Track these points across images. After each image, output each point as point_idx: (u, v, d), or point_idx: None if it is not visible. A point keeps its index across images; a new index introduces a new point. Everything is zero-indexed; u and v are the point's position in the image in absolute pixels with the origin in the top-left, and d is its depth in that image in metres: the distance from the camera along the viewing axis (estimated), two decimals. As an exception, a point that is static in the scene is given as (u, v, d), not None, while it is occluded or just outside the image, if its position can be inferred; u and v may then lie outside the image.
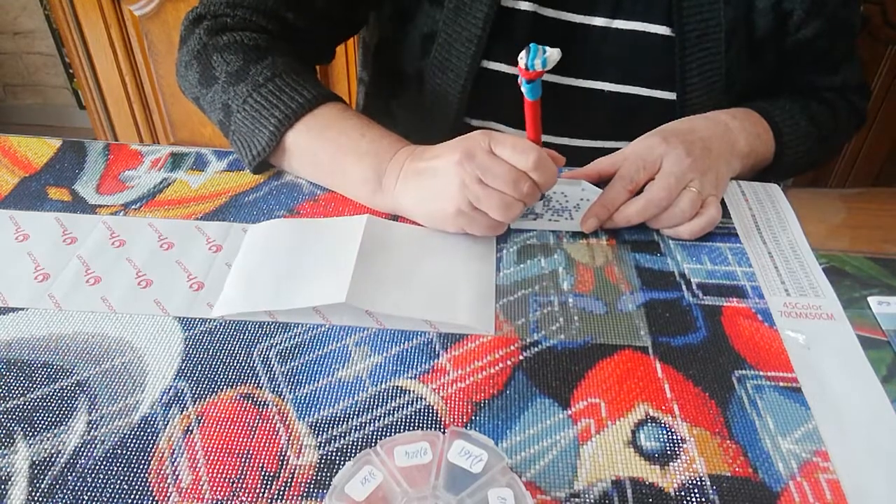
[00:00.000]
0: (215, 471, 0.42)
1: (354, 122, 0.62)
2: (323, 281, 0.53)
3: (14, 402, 0.45)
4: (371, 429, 0.44)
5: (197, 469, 0.42)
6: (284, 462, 0.42)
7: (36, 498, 0.40)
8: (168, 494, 0.40)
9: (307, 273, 0.54)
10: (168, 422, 0.44)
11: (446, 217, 0.56)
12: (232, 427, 0.44)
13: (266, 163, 0.65)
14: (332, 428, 0.44)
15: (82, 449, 0.43)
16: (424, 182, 0.57)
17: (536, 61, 0.51)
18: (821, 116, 0.74)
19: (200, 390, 0.46)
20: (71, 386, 0.46)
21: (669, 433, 0.44)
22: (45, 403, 0.45)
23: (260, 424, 0.44)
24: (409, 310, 0.52)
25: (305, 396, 0.46)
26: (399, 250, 0.57)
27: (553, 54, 0.51)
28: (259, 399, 0.46)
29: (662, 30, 0.68)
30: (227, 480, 0.41)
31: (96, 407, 0.45)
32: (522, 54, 0.52)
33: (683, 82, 0.69)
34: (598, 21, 0.70)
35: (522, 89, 0.54)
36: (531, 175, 0.53)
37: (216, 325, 0.51)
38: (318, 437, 0.44)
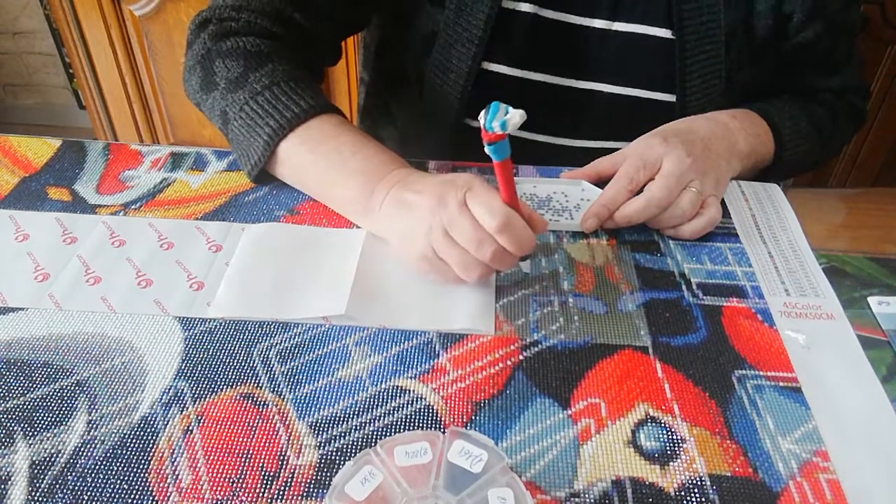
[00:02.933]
0: (215, 471, 0.42)
1: (348, 139, 0.60)
2: (323, 291, 0.53)
3: (14, 402, 0.45)
4: (371, 429, 0.44)
5: (197, 469, 0.42)
6: (284, 462, 0.42)
7: (36, 498, 0.40)
8: (168, 494, 0.40)
9: (307, 283, 0.54)
10: (168, 422, 0.44)
11: (410, 258, 0.54)
12: (232, 427, 0.44)
13: (267, 173, 0.64)
14: (332, 428, 0.44)
15: (82, 449, 0.43)
16: (401, 215, 0.54)
17: (495, 123, 0.45)
18: (820, 118, 0.74)
19: (200, 390, 0.46)
20: (71, 386, 0.46)
21: (669, 433, 0.44)
22: (45, 403, 0.45)
23: (260, 424, 0.44)
24: (409, 321, 0.52)
25: (305, 396, 0.46)
26: (399, 260, 0.57)
27: (514, 117, 0.45)
28: (259, 399, 0.46)
29: (662, 32, 0.68)
30: (227, 480, 0.41)
31: (96, 407, 0.45)
32: (482, 114, 0.46)
33: (683, 84, 0.69)
34: (598, 23, 0.70)
35: (486, 151, 0.48)
36: (496, 238, 0.49)
37: (216, 325, 0.51)
38: (318, 437, 0.44)
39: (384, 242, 0.58)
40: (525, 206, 0.53)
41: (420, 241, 0.52)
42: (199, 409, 0.45)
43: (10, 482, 0.41)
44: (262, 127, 0.60)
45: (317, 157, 0.60)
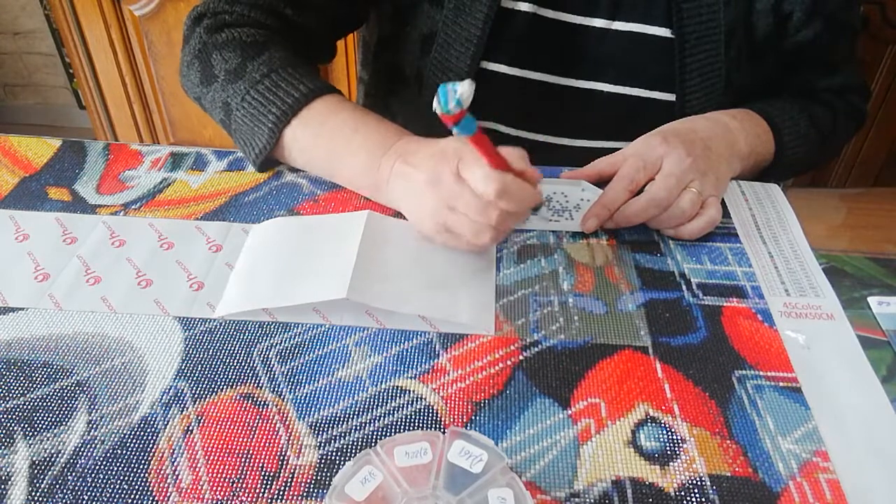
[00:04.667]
0: (215, 471, 0.42)
1: (348, 116, 0.62)
2: (324, 277, 0.53)
3: (14, 402, 0.45)
4: (371, 429, 0.44)
5: (197, 469, 0.42)
6: (284, 462, 0.42)
7: (36, 498, 0.40)
8: (168, 494, 0.40)
9: (308, 270, 0.54)
10: (168, 422, 0.44)
11: (427, 233, 0.56)
12: (232, 427, 0.44)
13: (271, 160, 0.65)
14: (332, 428, 0.44)
15: (82, 449, 0.43)
16: (405, 191, 0.57)
17: (451, 104, 0.45)
18: (820, 118, 0.74)
19: (200, 390, 0.46)
20: (71, 386, 0.46)
21: (669, 433, 0.44)
22: (45, 403, 0.45)
23: (260, 424, 0.44)
24: (409, 306, 0.52)
25: (305, 396, 0.46)
26: (399, 246, 0.57)
27: (464, 88, 0.45)
28: (259, 399, 0.46)
29: (662, 31, 0.68)
30: (227, 480, 0.41)
31: (96, 407, 0.45)
32: (435, 103, 0.46)
33: (683, 84, 0.69)
34: (598, 22, 0.70)
35: (453, 132, 0.48)
36: (498, 204, 0.51)
37: (216, 325, 0.51)
38: (318, 437, 0.44)
39: (384, 226, 0.58)
40: (518, 160, 0.53)
41: (430, 218, 0.54)
42: (199, 409, 0.45)
43: (10, 482, 0.41)
44: (266, 115, 0.62)
45: (321, 138, 0.62)
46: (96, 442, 0.43)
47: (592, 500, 0.41)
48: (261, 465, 0.42)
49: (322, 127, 0.62)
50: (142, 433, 0.44)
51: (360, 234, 0.57)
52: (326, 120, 0.62)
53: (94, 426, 0.44)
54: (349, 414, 0.45)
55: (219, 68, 0.64)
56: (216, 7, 0.67)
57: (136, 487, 0.41)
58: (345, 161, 0.61)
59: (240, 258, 0.57)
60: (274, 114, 0.61)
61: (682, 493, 0.41)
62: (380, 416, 0.45)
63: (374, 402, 0.46)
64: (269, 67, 0.63)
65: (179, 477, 0.41)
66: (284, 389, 0.47)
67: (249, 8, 0.67)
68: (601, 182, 0.63)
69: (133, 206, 0.62)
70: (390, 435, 0.44)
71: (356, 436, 0.44)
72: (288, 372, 0.48)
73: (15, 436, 0.43)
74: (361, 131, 0.61)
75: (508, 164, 0.52)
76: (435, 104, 0.46)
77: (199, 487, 0.41)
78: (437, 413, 0.45)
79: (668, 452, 0.43)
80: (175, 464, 0.42)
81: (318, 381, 0.47)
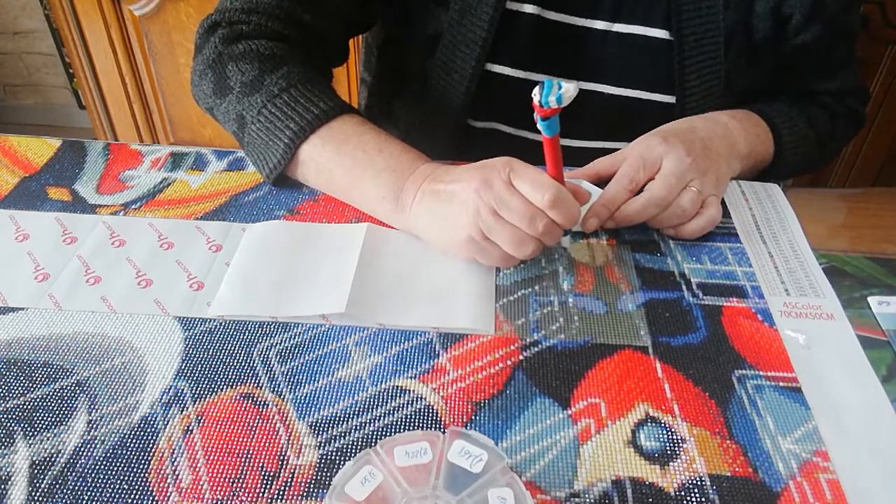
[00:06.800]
0: (215, 471, 0.42)
1: (372, 137, 0.60)
2: (323, 289, 0.53)
3: (14, 402, 0.45)
4: (371, 429, 0.44)
5: (197, 469, 0.42)
6: (284, 462, 0.42)
7: (36, 498, 0.40)
8: (168, 494, 0.40)
9: (307, 281, 0.54)
10: (168, 422, 0.44)
11: (457, 244, 0.54)
12: (232, 427, 0.44)
13: (284, 175, 0.63)
14: (332, 428, 0.44)
15: (82, 449, 0.43)
16: (439, 205, 0.54)
17: (551, 98, 0.47)
18: (819, 120, 0.74)
19: (200, 390, 0.46)
20: (71, 386, 0.46)
21: (669, 433, 0.44)
22: (45, 403, 0.45)
23: (260, 424, 0.44)
24: (409, 319, 0.52)
25: (305, 396, 0.46)
26: (399, 258, 0.57)
27: (569, 90, 0.47)
28: (259, 399, 0.46)
29: (661, 34, 0.69)
30: (227, 480, 0.41)
31: (96, 407, 0.45)
32: (536, 90, 0.48)
33: (682, 86, 0.69)
34: (599, 24, 0.70)
35: (538, 126, 0.50)
36: (548, 213, 0.51)
37: (216, 325, 0.51)
38: (318, 437, 0.44)
39: (384, 238, 0.58)
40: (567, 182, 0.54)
41: (466, 225, 0.52)
42: (199, 409, 0.45)
43: (10, 482, 0.41)
44: (283, 129, 0.60)
45: (341, 156, 0.59)
46: (96, 442, 0.43)
47: (592, 500, 0.41)
48: (261, 465, 0.42)
49: (343, 145, 0.60)
50: (142, 433, 0.44)
51: (359, 247, 0.57)
52: (348, 139, 0.60)
53: (94, 426, 0.44)
54: (349, 414, 0.45)
55: (234, 80, 0.62)
56: (232, 17, 0.66)
57: (136, 487, 0.41)
58: (366, 181, 0.59)
59: (235, 257, 0.57)
60: (291, 129, 0.59)
61: (682, 493, 0.41)
62: (380, 416, 0.45)
63: (374, 401, 0.46)
64: (288, 82, 0.61)
65: (179, 477, 0.41)
66: (284, 389, 0.47)
67: (267, 18, 0.65)
68: (601, 182, 0.63)
69: (133, 206, 0.62)
70: (390, 435, 0.44)
71: (356, 436, 0.44)
72: (288, 372, 0.48)
73: (15, 436, 0.43)
74: (386, 152, 0.59)
75: (564, 178, 0.53)
76: (535, 92, 0.48)
77: (199, 487, 0.41)
78: (437, 413, 0.45)
79: (668, 452, 0.43)
80: (175, 464, 0.42)
81: (318, 381, 0.47)
